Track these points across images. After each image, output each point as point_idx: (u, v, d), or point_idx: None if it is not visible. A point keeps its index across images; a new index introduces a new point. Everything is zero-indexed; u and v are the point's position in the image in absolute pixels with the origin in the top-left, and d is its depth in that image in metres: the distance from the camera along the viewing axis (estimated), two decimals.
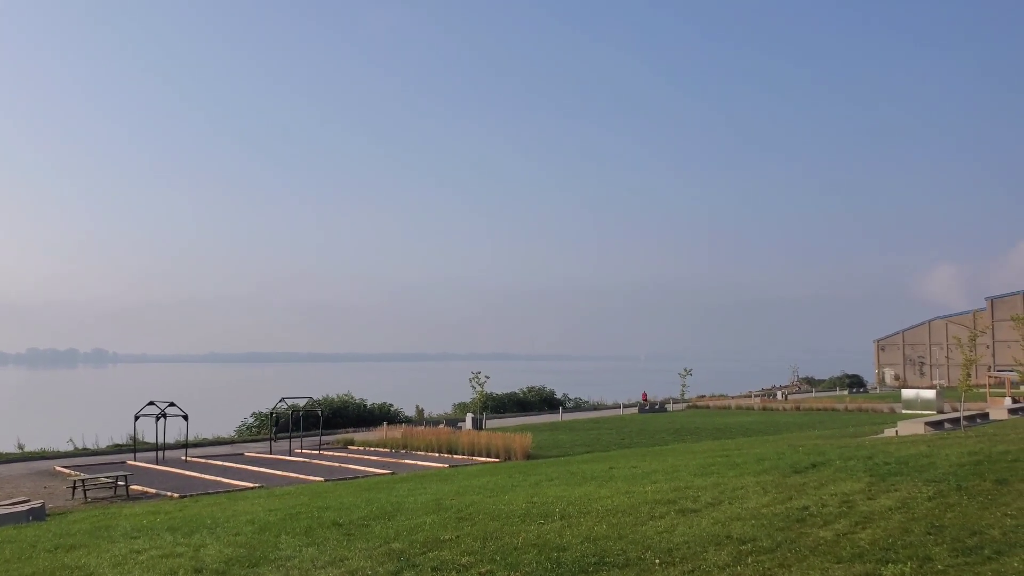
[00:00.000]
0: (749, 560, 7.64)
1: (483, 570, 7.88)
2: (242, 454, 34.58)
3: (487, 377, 63.39)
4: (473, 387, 62.88)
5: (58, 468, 29.81)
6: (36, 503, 18.22)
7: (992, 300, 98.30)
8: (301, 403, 41.23)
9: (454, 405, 62.77)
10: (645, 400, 66.89)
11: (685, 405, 65.92)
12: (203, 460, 31.98)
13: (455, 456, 31.50)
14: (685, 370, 79.45)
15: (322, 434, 39.62)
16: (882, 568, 7.05)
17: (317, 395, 48.75)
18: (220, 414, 53.16)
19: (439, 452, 32.60)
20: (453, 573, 7.88)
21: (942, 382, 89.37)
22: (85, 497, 22.31)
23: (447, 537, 9.75)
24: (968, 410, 28.50)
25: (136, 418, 33.43)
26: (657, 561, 7.83)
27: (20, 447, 35.48)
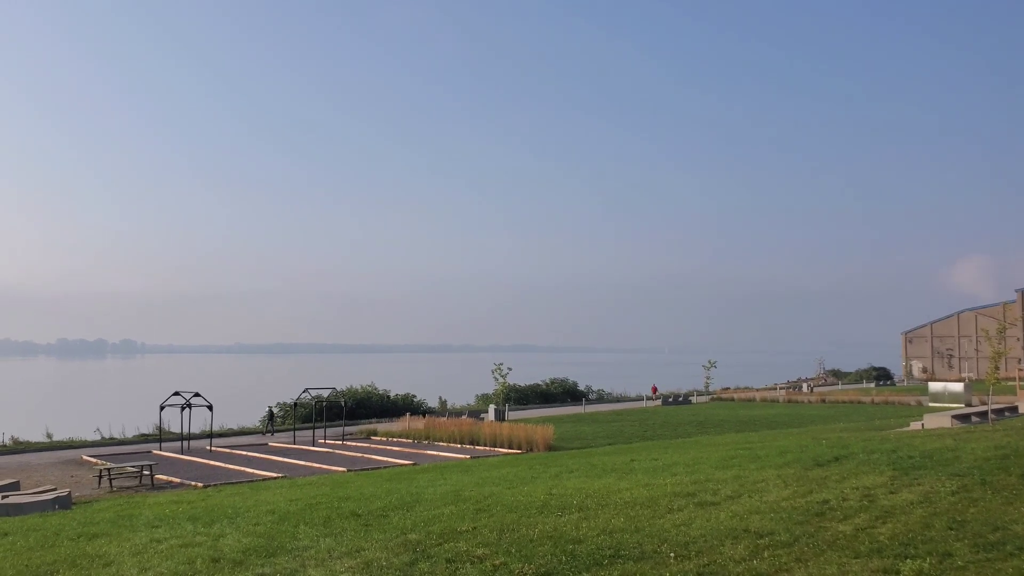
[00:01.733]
0: (765, 554, 7.56)
1: (497, 562, 7.86)
2: (266, 444, 34.89)
3: (510, 369, 63.52)
4: (496, 378, 63.03)
5: (85, 457, 30.23)
6: (62, 492, 18.48)
7: (1023, 292, 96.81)
8: (325, 394, 41.53)
9: (477, 396, 62.92)
10: (655, 393, 66.59)
11: (709, 397, 65.62)
12: (228, 450, 32.29)
13: (477, 447, 31.60)
14: (709, 362, 79.09)
15: (345, 424, 39.91)
16: (900, 563, 6.94)
17: (341, 386, 49.09)
18: (245, 404, 53.69)
19: (461, 443, 32.70)
20: (467, 565, 7.86)
21: (971, 375, 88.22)
22: (111, 486, 22.61)
23: (464, 528, 9.74)
24: (996, 403, 28.10)
25: (162, 408, 33.82)
26: (672, 555, 7.76)
27: (49, 436, 36.05)
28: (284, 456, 29.62)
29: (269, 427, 41.25)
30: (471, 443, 32.43)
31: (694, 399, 62.22)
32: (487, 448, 31.15)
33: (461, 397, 63.11)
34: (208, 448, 32.96)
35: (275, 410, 47.66)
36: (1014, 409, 29.03)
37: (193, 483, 22.65)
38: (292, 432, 38.44)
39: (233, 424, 42.10)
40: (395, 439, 35.54)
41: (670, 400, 59.01)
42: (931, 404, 48.03)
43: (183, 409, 33.20)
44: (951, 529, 8.13)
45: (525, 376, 72.44)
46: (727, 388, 75.34)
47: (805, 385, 76.71)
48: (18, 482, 21.06)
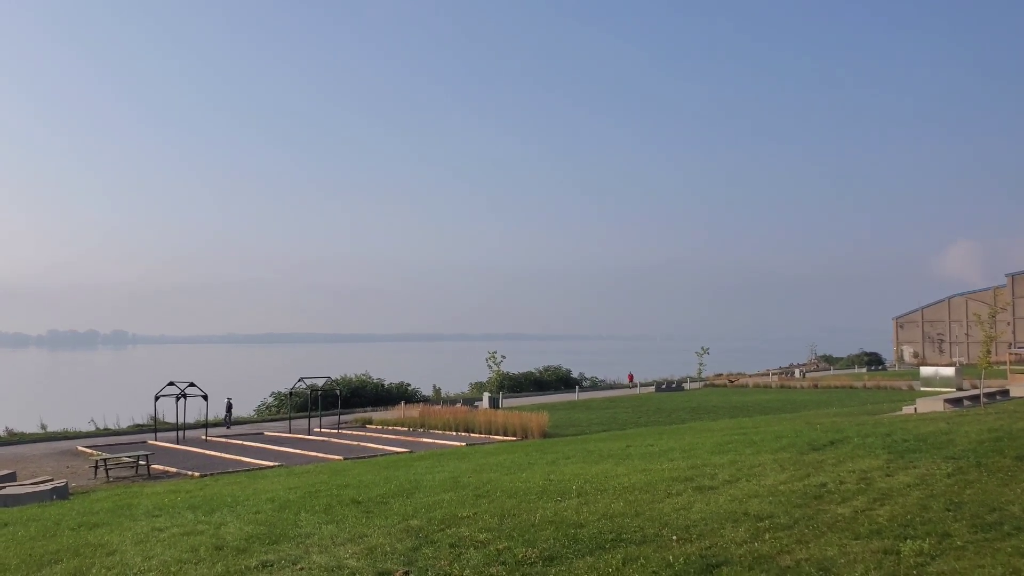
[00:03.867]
0: (767, 537, 7.63)
1: (501, 547, 7.91)
2: (262, 433, 34.89)
3: (503, 357, 63.65)
4: (490, 367, 63.15)
5: (80, 448, 30.19)
6: (59, 482, 18.48)
7: (1012, 277, 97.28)
8: (320, 383, 41.50)
9: (471, 384, 63.01)
10: (631, 381, 67.29)
11: (702, 384, 65.87)
12: (223, 439, 32.31)
13: (472, 435, 31.67)
14: (702, 349, 79.34)
15: (340, 413, 39.90)
16: (900, 544, 7.02)
17: (335, 375, 49.06)
18: (239, 394, 53.55)
19: (456, 431, 32.77)
20: (471, 550, 7.91)
21: (962, 359, 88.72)
22: (107, 476, 22.61)
23: (465, 514, 9.79)
24: (988, 387, 28.31)
25: (156, 398, 33.77)
26: (674, 538, 7.83)
27: (43, 427, 35.97)
28: (280, 445, 29.64)
29: (227, 420, 39.36)
30: (466, 431, 32.50)
31: (687, 385, 62.45)
32: (482, 435, 31.22)
33: (455, 385, 63.22)
34: (203, 438, 32.95)
35: (270, 398, 47.58)
36: (1005, 392, 29.24)
37: (190, 472, 22.66)
38: (287, 421, 38.44)
39: None
40: (390, 427, 35.59)
41: (663, 386, 59.21)
42: (923, 388, 48.35)
43: (178, 399, 33.16)
44: (948, 510, 8.21)
45: (518, 364, 72.55)
46: (720, 374, 75.59)
47: (797, 371, 77.02)
48: (14, 473, 21.05)
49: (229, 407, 40.09)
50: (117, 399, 54.64)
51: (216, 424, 38.90)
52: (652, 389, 58.63)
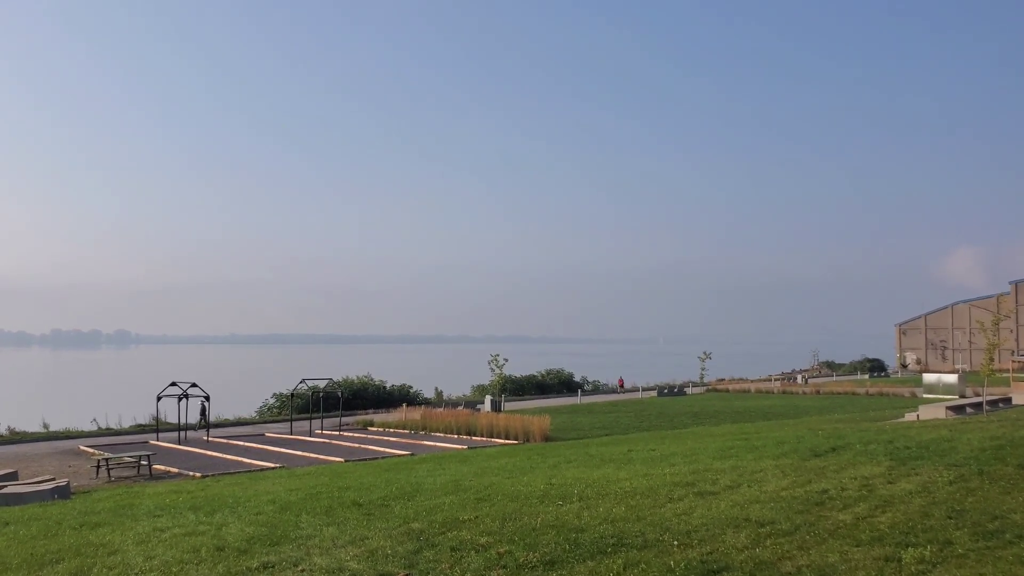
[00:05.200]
0: (768, 543, 7.63)
1: (502, 550, 7.92)
2: (263, 434, 34.91)
3: (505, 360, 63.66)
4: (492, 369, 63.20)
5: (82, 447, 30.21)
6: (61, 481, 18.50)
7: (1016, 284, 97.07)
8: (321, 384, 41.53)
9: (473, 387, 63.02)
10: (622, 385, 67.41)
11: (704, 388, 65.81)
12: (225, 440, 32.32)
13: (474, 438, 31.66)
14: (704, 353, 79.30)
15: (342, 415, 39.93)
16: (902, 551, 7.02)
17: (337, 377, 49.07)
18: (241, 395, 53.61)
19: (458, 434, 32.77)
20: (472, 553, 7.92)
21: (964, 367, 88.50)
22: (109, 476, 22.63)
23: (466, 517, 9.80)
24: (991, 395, 28.25)
25: (158, 399, 33.79)
26: (675, 543, 7.83)
27: (45, 426, 36.01)
28: (281, 447, 29.64)
29: (203, 422, 36.30)
30: (468, 434, 32.49)
31: (689, 390, 62.41)
32: (484, 439, 31.21)
33: (457, 388, 63.20)
34: (205, 438, 32.97)
35: (272, 400, 47.50)
36: (1008, 400, 29.19)
37: (192, 473, 22.67)
38: (289, 422, 38.45)
39: (229, 415, 42.07)
40: (392, 430, 35.59)
41: (665, 391, 59.18)
42: (925, 395, 48.31)
43: (180, 400, 33.18)
44: (950, 518, 8.21)
45: (520, 367, 72.53)
46: (722, 379, 75.54)
47: (800, 376, 76.89)
48: (16, 472, 21.07)
49: (203, 409, 36.05)
50: (119, 399, 54.65)
51: (205, 427, 36.33)
52: (654, 393, 58.59)
